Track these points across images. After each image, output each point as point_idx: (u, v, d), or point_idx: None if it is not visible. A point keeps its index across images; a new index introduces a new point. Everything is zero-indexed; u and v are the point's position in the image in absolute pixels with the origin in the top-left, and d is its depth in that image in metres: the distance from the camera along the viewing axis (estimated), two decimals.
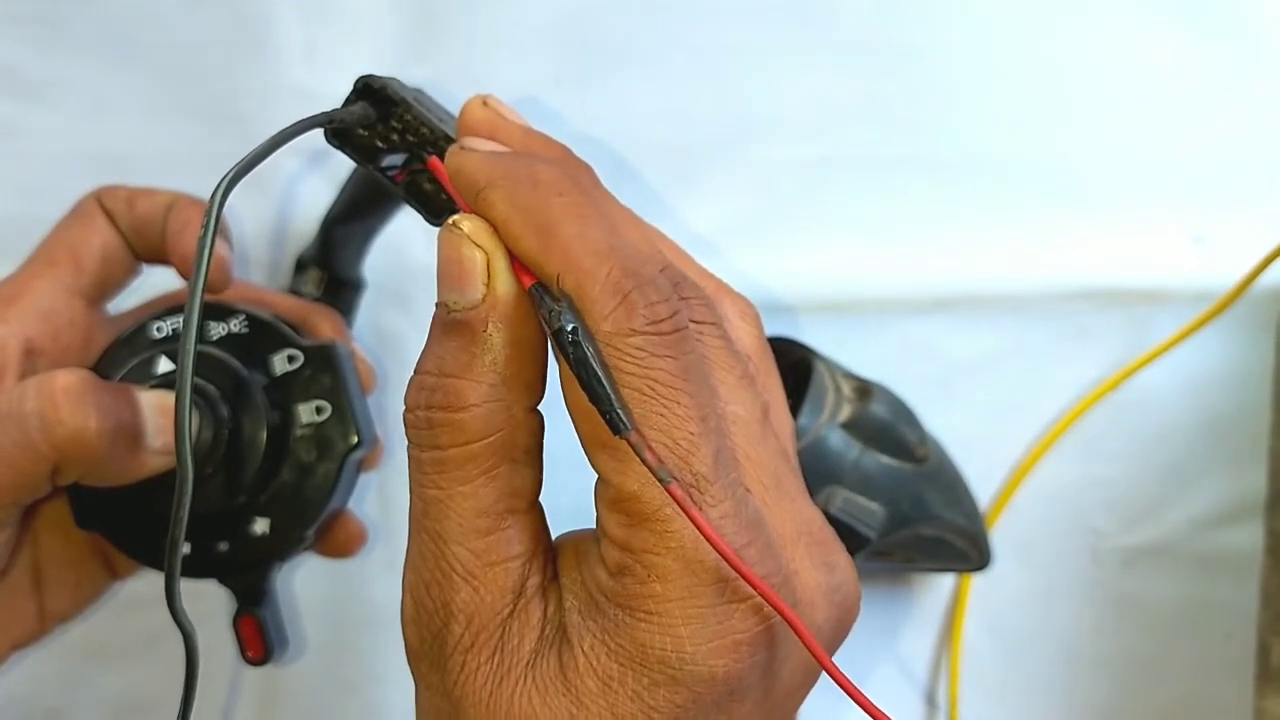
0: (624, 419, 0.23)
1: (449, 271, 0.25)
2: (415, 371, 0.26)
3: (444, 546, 0.25)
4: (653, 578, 0.24)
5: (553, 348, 0.25)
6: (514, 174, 0.26)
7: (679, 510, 0.23)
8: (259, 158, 0.26)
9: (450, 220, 0.25)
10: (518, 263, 0.25)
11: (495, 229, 0.25)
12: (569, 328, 0.23)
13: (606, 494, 0.25)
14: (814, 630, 0.26)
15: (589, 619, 0.25)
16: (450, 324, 0.25)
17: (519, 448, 0.26)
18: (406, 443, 0.26)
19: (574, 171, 0.27)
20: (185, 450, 0.26)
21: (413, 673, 0.27)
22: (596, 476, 0.25)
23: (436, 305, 0.26)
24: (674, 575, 0.24)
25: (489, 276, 0.25)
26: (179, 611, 0.28)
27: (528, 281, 0.25)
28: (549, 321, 0.24)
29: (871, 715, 0.24)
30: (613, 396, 0.23)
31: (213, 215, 0.25)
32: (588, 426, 0.24)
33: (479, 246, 0.25)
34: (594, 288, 0.24)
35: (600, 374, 0.23)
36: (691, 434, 0.24)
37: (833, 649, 0.28)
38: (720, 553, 0.23)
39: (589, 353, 0.23)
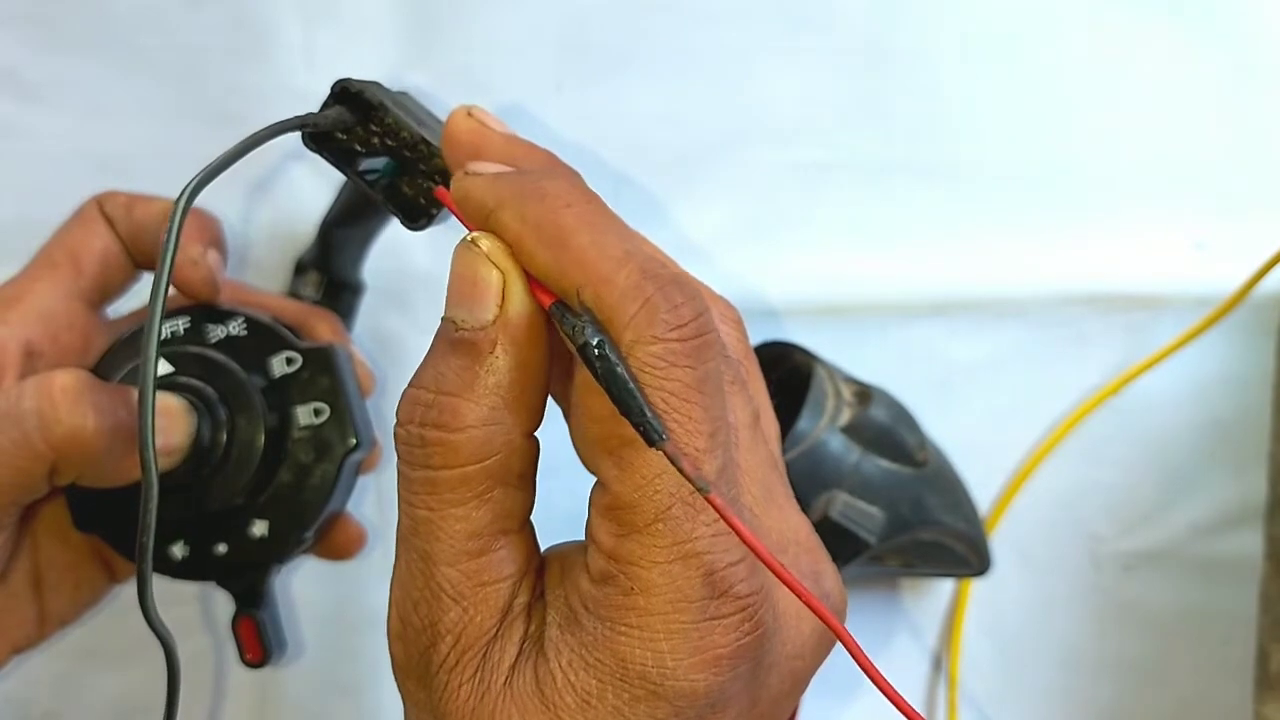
0: (658, 429, 0.23)
1: (461, 289, 0.25)
2: (410, 385, 0.25)
3: (433, 567, 0.25)
4: (636, 590, 0.23)
5: (580, 361, 0.24)
6: (521, 191, 0.25)
7: (671, 525, 0.23)
8: (230, 160, 0.26)
9: (469, 237, 0.25)
10: (535, 283, 0.25)
11: (511, 249, 0.25)
12: (594, 342, 0.23)
13: (602, 500, 0.24)
14: (800, 641, 0.26)
15: (568, 633, 0.24)
16: (456, 341, 0.25)
17: (513, 472, 0.25)
18: (397, 458, 0.25)
19: (574, 180, 0.27)
20: (149, 454, 0.26)
21: (399, 688, 0.26)
22: (594, 481, 0.25)
23: (442, 320, 0.25)
24: (659, 589, 0.23)
25: (503, 298, 0.24)
26: (153, 618, 0.27)
27: (546, 301, 0.24)
28: (573, 337, 0.23)
29: (900, 708, 0.23)
30: (645, 407, 0.23)
31: (176, 216, 0.25)
32: (599, 430, 0.24)
33: (496, 266, 0.25)
34: (613, 295, 0.23)
35: (631, 385, 0.23)
36: (699, 449, 0.23)
37: (820, 659, 0.27)
38: (766, 563, 0.23)
39: (616, 365, 0.23)
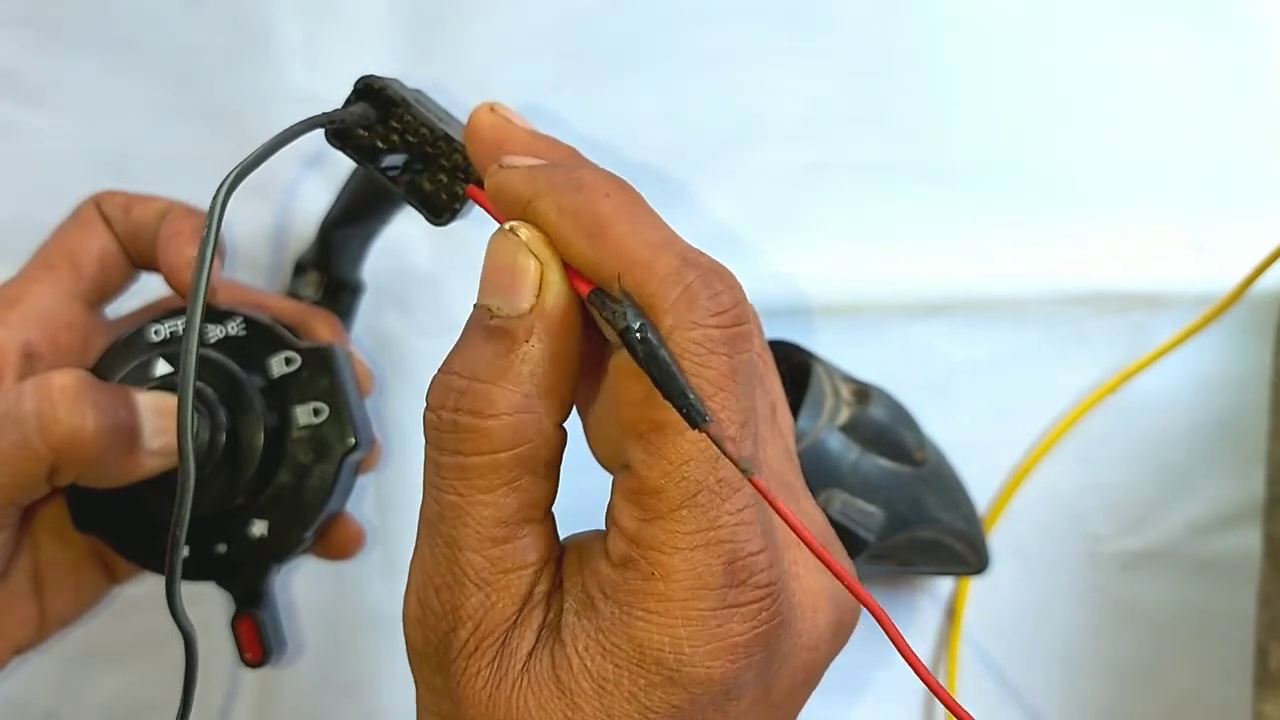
0: (701, 411, 0.23)
1: (498, 277, 0.25)
2: (442, 370, 0.26)
3: (458, 553, 0.25)
4: (657, 575, 0.24)
5: (615, 348, 0.25)
6: (559, 182, 0.25)
7: (696, 512, 0.23)
8: (261, 158, 0.26)
9: (507, 225, 0.25)
10: (573, 272, 0.25)
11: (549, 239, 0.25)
12: (635, 325, 0.23)
13: (627, 484, 0.24)
14: (815, 633, 0.26)
15: (584, 619, 0.25)
16: (490, 329, 0.25)
17: (542, 461, 0.25)
18: (425, 442, 0.26)
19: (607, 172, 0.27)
20: (187, 445, 0.26)
21: (414, 673, 0.27)
22: (624, 465, 0.25)
23: (476, 307, 0.26)
24: (679, 575, 0.23)
25: (540, 287, 0.25)
26: (179, 611, 0.28)
27: (585, 289, 0.25)
28: (614, 322, 0.24)
29: (931, 687, 0.24)
30: (687, 389, 0.23)
31: (215, 214, 0.25)
32: (632, 414, 0.24)
33: (535, 255, 0.25)
34: (653, 281, 0.24)
35: (673, 368, 0.23)
36: (730, 437, 0.24)
37: (834, 651, 0.27)
38: (808, 545, 0.23)
39: (658, 348, 0.23)
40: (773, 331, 0.44)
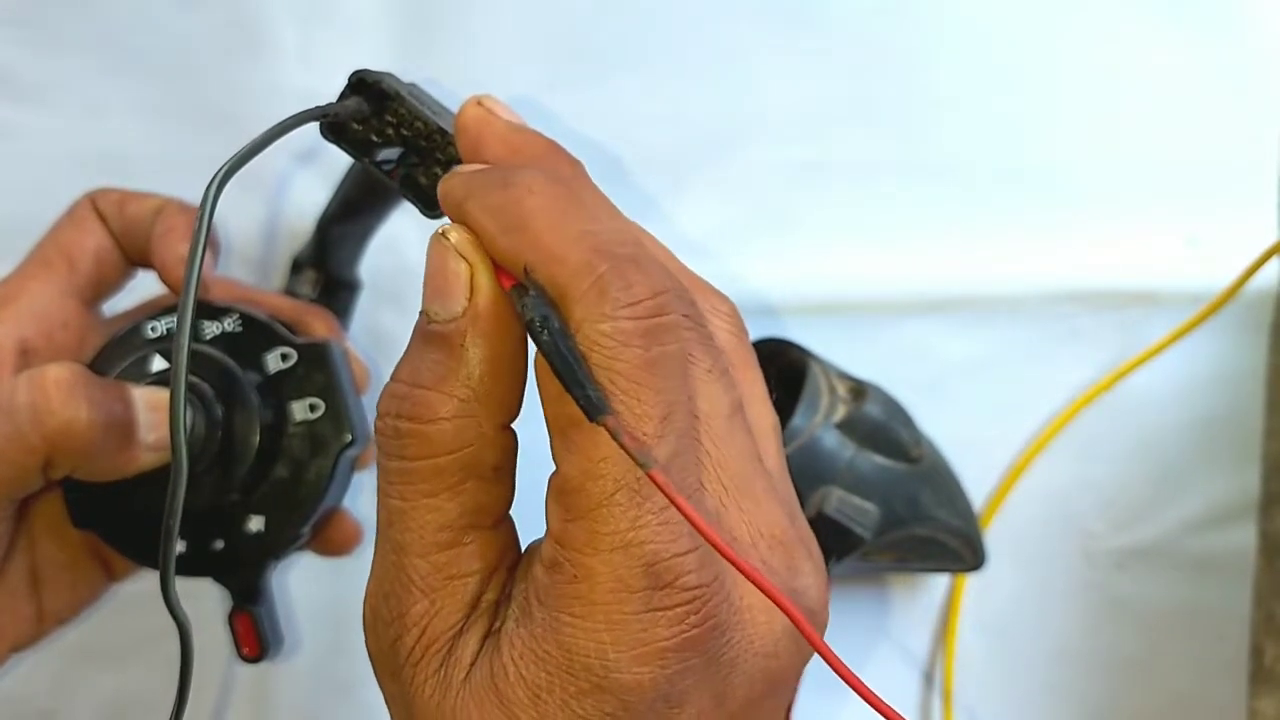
0: (597, 403, 0.22)
1: (433, 282, 0.25)
2: (390, 379, 0.26)
3: (405, 558, 0.25)
4: (580, 578, 0.23)
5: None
6: (487, 182, 0.25)
7: (614, 511, 0.23)
8: (253, 152, 0.26)
9: (439, 230, 0.25)
10: (501, 271, 0.25)
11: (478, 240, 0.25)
12: (536, 318, 0.23)
13: (554, 483, 0.24)
14: (771, 638, 0.25)
15: (521, 625, 0.24)
16: (429, 335, 0.25)
17: (487, 465, 0.25)
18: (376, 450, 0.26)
19: (557, 167, 0.27)
20: (180, 438, 0.26)
21: (376, 679, 0.26)
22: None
23: (419, 314, 0.25)
24: (600, 578, 0.23)
25: (471, 290, 0.24)
26: (173, 601, 0.28)
27: (508, 284, 0.24)
28: (521, 315, 0.23)
29: (872, 704, 0.23)
30: (586, 382, 0.22)
31: (206, 208, 0.25)
32: (550, 411, 0.24)
33: (464, 258, 0.25)
34: (564, 273, 0.23)
35: (571, 360, 0.22)
36: (646, 433, 0.23)
37: (799, 657, 0.26)
38: (711, 543, 0.22)
39: (558, 339, 0.23)
40: (769, 329, 0.44)
